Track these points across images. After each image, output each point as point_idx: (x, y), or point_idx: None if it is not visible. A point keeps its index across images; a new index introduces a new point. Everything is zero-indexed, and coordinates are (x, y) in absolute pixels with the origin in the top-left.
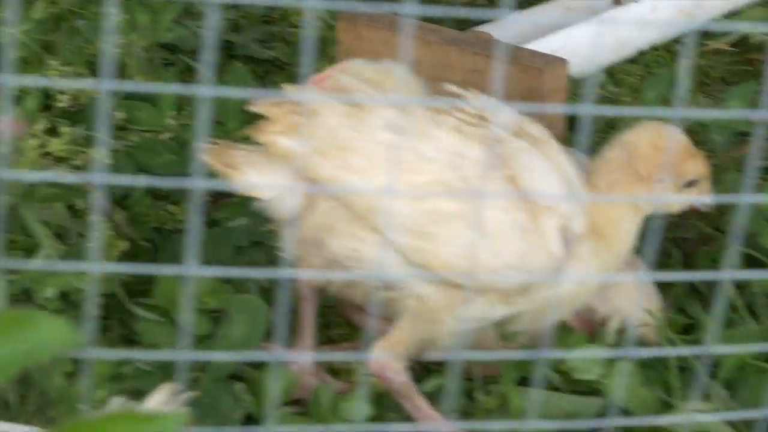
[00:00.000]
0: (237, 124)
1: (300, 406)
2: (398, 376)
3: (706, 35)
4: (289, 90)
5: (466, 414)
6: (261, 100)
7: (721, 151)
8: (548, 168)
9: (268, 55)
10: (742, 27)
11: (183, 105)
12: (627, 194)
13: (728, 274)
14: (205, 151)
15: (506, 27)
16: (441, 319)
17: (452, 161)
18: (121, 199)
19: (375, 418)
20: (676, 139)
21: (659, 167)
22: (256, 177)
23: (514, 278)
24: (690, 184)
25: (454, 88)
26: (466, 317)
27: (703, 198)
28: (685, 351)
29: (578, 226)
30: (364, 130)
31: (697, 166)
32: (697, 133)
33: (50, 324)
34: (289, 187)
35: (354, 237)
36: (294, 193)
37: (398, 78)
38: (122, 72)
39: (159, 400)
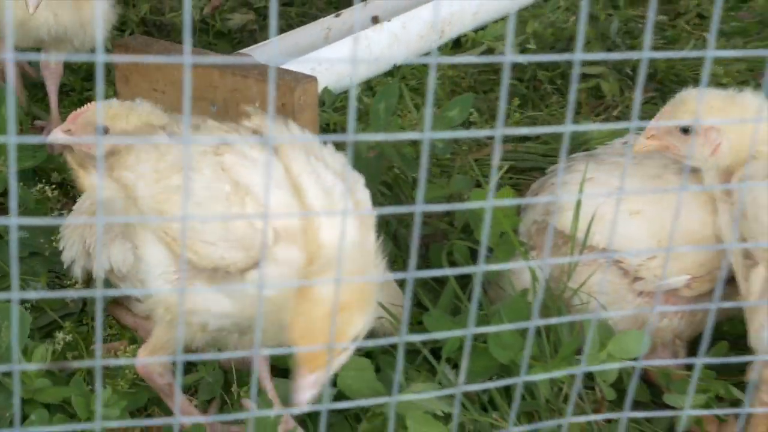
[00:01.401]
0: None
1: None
2: (161, 378)
3: (457, 48)
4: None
5: (224, 404)
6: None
7: (442, 154)
8: (271, 183)
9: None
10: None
11: None
12: None
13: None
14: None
15: (270, 48)
16: (189, 320)
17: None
18: None
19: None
20: None
21: None
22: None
23: (223, 248)
24: None
25: (247, 110)
26: (207, 313)
27: None
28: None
29: (281, 229)
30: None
31: None
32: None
33: None
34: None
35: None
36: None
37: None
38: None
39: None
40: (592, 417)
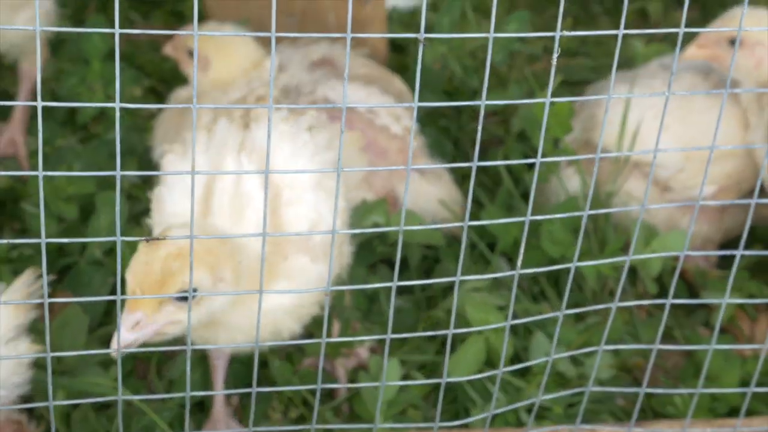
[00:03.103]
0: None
1: None
2: None
3: None
4: None
5: None
6: None
7: (499, 65)
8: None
9: None
10: None
11: None
12: None
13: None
14: None
15: None
16: None
17: None
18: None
19: None
20: None
21: None
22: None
23: None
24: None
25: None
26: None
27: None
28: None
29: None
30: None
31: None
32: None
33: None
34: None
35: None
36: None
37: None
38: None
39: (24, 281)
40: (639, 302)
